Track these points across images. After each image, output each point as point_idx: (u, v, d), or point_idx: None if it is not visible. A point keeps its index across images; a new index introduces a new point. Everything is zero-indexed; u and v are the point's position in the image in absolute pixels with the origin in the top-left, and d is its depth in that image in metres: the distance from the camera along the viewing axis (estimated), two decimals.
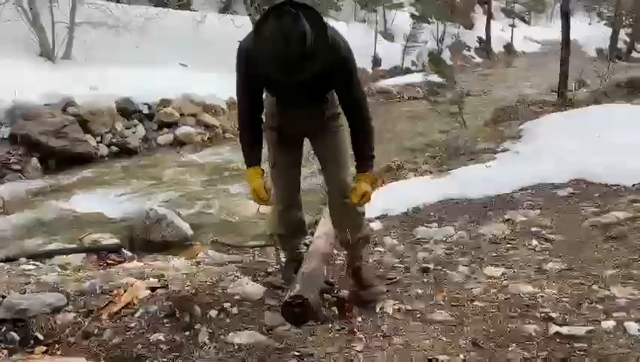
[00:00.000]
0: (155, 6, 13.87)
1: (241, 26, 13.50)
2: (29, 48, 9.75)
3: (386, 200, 4.41)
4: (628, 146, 4.67)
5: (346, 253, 2.72)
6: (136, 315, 2.33)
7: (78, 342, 2.18)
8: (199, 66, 11.34)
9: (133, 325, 2.26)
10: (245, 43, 2.15)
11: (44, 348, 2.19)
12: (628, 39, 25.10)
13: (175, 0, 14.81)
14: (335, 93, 2.34)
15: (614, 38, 22.56)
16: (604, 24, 27.37)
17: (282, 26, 1.91)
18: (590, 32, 25.40)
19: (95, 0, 10.99)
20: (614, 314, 2.20)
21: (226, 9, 17.97)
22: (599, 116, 5.81)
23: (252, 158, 2.36)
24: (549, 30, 30.00)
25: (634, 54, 24.21)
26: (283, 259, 2.85)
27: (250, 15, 13.60)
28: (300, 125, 2.43)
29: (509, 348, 2.04)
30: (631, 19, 25.05)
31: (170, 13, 13.33)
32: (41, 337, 2.24)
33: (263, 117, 2.40)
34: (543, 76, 14.82)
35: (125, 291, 2.49)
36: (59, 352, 2.14)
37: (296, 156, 2.54)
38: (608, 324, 2.12)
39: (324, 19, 2.06)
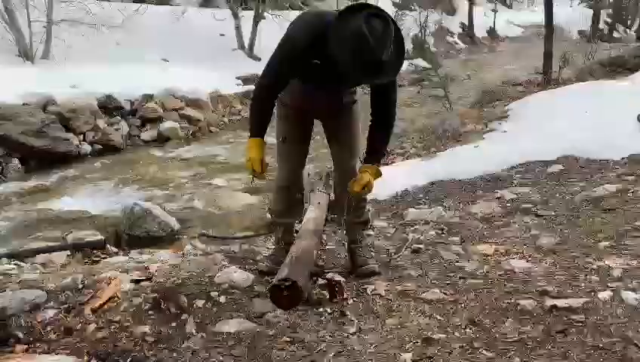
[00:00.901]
0: (134, 2, 13.65)
1: (224, 19, 13.40)
2: (5, 48, 9.52)
3: (375, 183, 4.35)
4: (614, 121, 4.68)
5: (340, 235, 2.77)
6: (121, 309, 2.24)
7: (59, 339, 2.09)
8: (181, 61, 11.16)
9: (117, 319, 2.18)
10: (315, 29, 2.09)
11: (25, 346, 2.10)
12: (609, 20, 25.24)
13: None
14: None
15: (596, 19, 22.67)
16: (585, 6, 27.52)
17: (380, 29, 1.95)
18: (572, 15, 25.50)
19: None
20: (610, 285, 2.17)
21: (206, 3, 17.76)
22: (584, 93, 5.80)
23: (259, 128, 2.31)
24: (531, 14, 30.06)
25: (615, 35, 24.33)
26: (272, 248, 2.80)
27: (230, 7, 13.44)
28: (318, 105, 2.45)
29: (506, 324, 1.99)
30: (611, 1, 25.22)
31: (150, 9, 13.10)
32: (21, 335, 2.14)
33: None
34: (527, 59, 14.81)
35: (108, 285, 2.40)
36: (40, 350, 2.05)
37: (308, 132, 2.57)
38: (605, 295, 2.08)
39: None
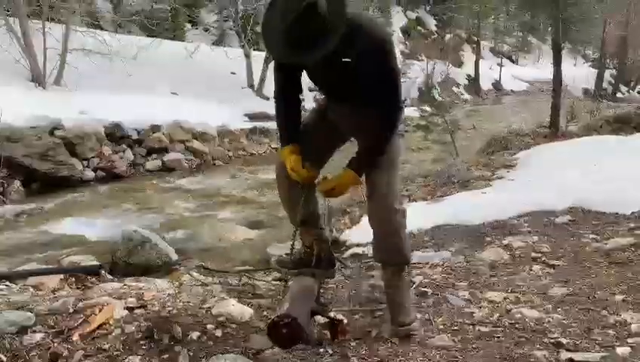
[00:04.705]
0: (148, 36, 13.94)
1: (234, 58, 13.65)
2: (19, 73, 9.64)
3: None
4: (623, 175, 4.62)
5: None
6: (111, 336, 2.13)
7: None
8: (190, 96, 11.29)
9: (107, 346, 2.06)
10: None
11: None
12: (612, 80, 25.69)
13: (169, 31, 14.92)
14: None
15: (600, 79, 23.09)
16: (589, 65, 28.08)
17: None
18: (576, 73, 25.98)
19: (89, 28, 11.02)
20: (629, 341, 2.05)
21: (219, 42, 18.15)
22: (593, 146, 5.79)
23: (285, 135, 2.13)
24: (536, 70, 30.73)
25: (618, 95, 24.70)
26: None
27: (242, 47, 13.71)
28: (345, 124, 2.18)
29: None
30: (615, 62, 25.75)
31: (163, 44, 13.36)
32: (4, 359, 2.03)
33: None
34: (531, 113, 14.96)
35: (100, 310, 2.30)
36: None
37: (331, 139, 2.26)
38: (623, 350, 1.96)
39: None
